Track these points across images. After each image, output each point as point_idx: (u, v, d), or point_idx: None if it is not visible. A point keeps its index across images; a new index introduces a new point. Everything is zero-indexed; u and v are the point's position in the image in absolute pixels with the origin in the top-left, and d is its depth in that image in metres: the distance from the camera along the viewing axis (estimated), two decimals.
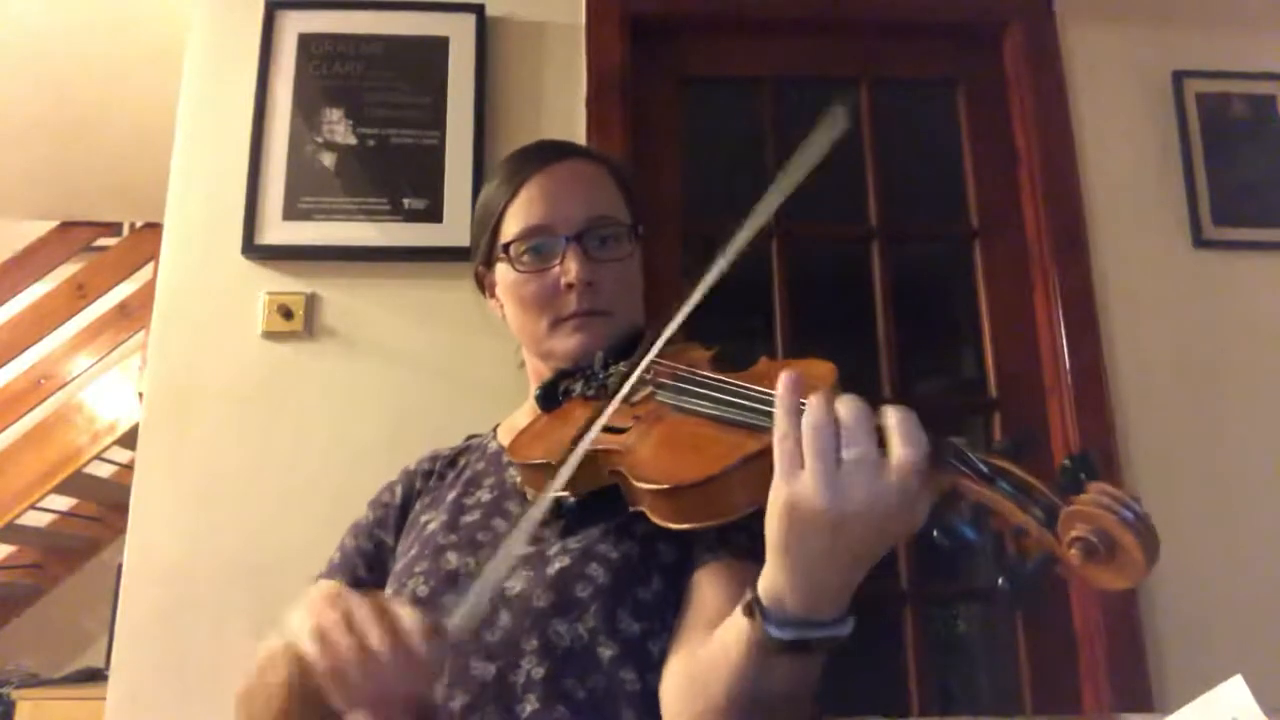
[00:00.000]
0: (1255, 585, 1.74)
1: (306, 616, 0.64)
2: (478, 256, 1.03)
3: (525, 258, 0.95)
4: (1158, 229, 1.92)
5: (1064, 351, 1.83)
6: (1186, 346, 1.86)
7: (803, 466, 0.59)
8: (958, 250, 2.03)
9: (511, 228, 0.96)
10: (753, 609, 0.63)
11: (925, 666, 1.76)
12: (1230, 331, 1.88)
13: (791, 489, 0.59)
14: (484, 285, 1.05)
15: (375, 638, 0.62)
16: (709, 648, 0.71)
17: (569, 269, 0.93)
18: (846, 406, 0.59)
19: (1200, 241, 1.91)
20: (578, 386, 0.92)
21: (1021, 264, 1.93)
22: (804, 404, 0.61)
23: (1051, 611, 1.77)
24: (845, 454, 0.57)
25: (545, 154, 1.01)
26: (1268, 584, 1.74)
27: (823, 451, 0.58)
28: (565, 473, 0.71)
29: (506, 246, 0.96)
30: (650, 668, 0.80)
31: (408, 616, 0.63)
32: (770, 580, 0.63)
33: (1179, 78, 1.99)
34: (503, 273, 0.98)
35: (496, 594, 0.82)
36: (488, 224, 1.00)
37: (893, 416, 0.58)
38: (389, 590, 0.92)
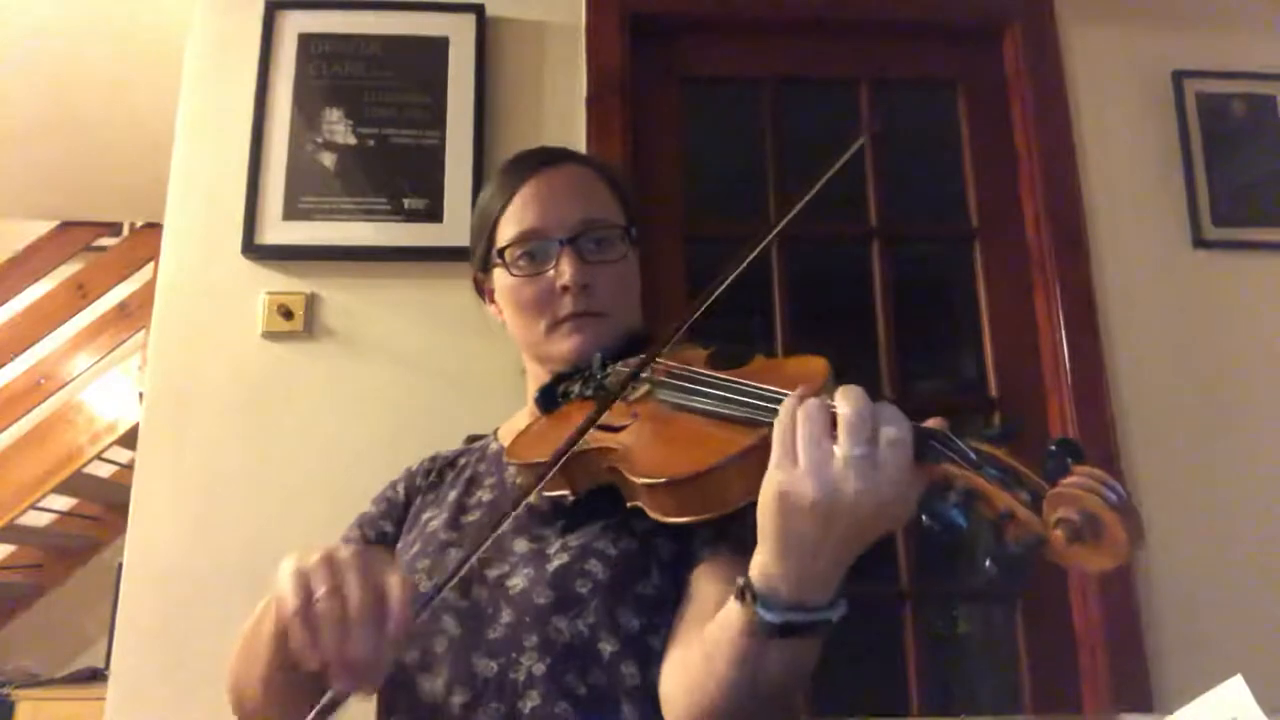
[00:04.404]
0: (1255, 585, 1.74)
1: (293, 561, 0.64)
2: (475, 263, 1.04)
3: (521, 262, 0.97)
4: (1158, 229, 1.92)
5: (1064, 351, 1.83)
6: (1186, 346, 1.86)
7: (796, 459, 0.60)
8: (958, 250, 2.03)
9: (506, 233, 0.98)
10: (744, 594, 0.64)
11: (925, 666, 1.76)
12: (1230, 331, 1.88)
13: (783, 479, 0.60)
14: (482, 291, 1.06)
15: (354, 591, 0.62)
16: (704, 639, 0.71)
17: (563, 271, 0.94)
18: (842, 403, 0.60)
19: (1200, 241, 1.91)
20: (576, 388, 0.93)
21: (1021, 264, 1.93)
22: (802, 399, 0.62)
23: (1051, 611, 1.77)
24: (838, 450, 0.58)
25: (538, 160, 1.03)
26: (1267, 584, 1.74)
27: (815, 446, 0.59)
28: (553, 466, 0.72)
29: (502, 251, 0.98)
30: (651, 663, 0.80)
31: (394, 582, 0.63)
32: (762, 566, 0.63)
33: (1179, 78, 1.99)
34: (499, 277, 1.00)
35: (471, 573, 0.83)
36: (484, 230, 1.01)
37: (882, 411, 0.59)
38: None
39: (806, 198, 0.76)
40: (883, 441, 0.58)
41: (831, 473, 0.58)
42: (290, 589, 0.62)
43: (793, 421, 0.61)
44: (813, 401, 0.61)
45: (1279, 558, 1.76)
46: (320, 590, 0.62)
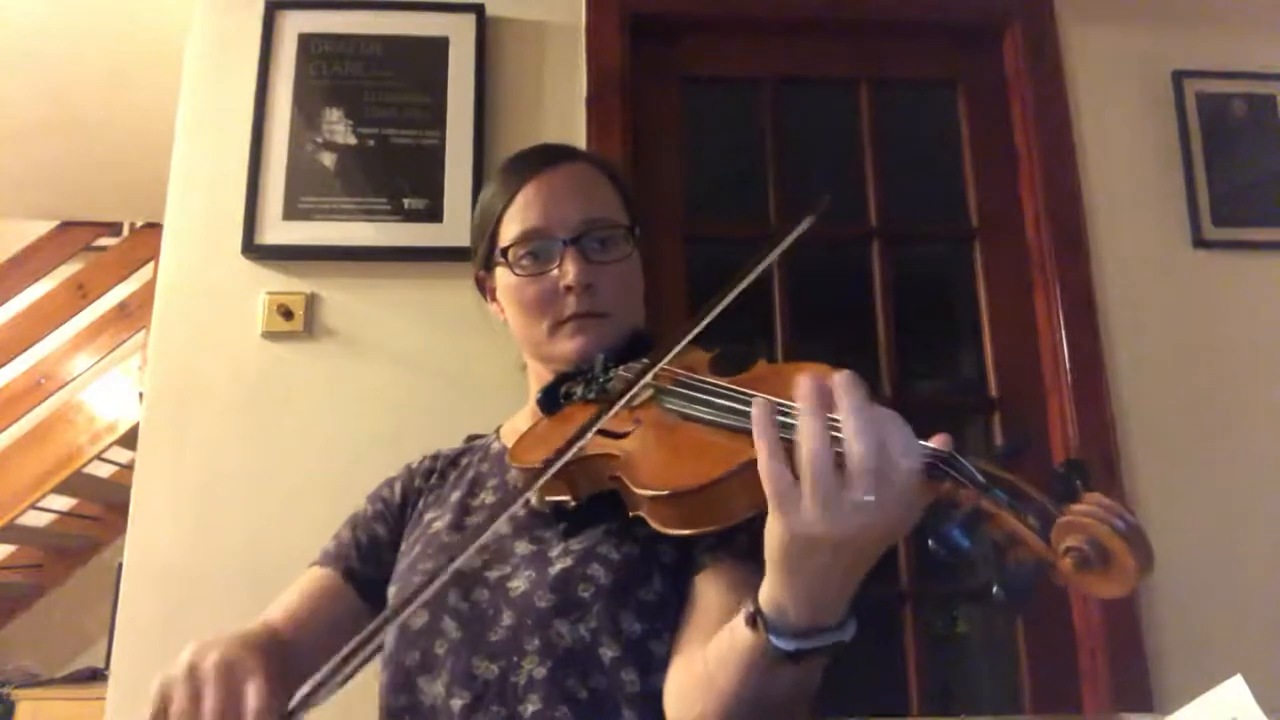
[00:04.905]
0: (1255, 586, 1.74)
1: (186, 654, 0.68)
2: (477, 261, 1.03)
3: (524, 261, 0.96)
4: (1158, 229, 1.92)
5: (1064, 351, 1.83)
6: (1186, 346, 1.86)
7: (801, 499, 0.58)
8: (958, 250, 2.03)
9: (509, 232, 0.97)
10: (755, 620, 0.63)
11: (925, 666, 1.76)
12: (1230, 332, 1.88)
13: (791, 520, 0.58)
14: (484, 289, 1.05)
15: (210, 704, 0.65)
16: (709, 654, 0.71)
17: (567, 271, 0.93)
18: (853, 442, 0.56)
19: (1200, 241, 1.91)
20: (579, 390, 0.92)
21: (1021, 264, 1.93)
22: (790, 438, 0.59)
23: (1051, 612, 1.77)
24: (849, 494, 0.56)
25: (541, 158, 1.01)
26: (1268, 584, 1.74)
27: (822, 483, 0.57)
28: (546, 477, 0.72)
29: (505, 251, 0.97)
30: (652, 669, 0.80)
31: (252, 693, 0.65)
32: (772, 594, 0.62)
33: (1179, 78, 1.99)
34: (502, 277, 0.99)
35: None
36: (486, 229, 1.00)
37: (890, 430, 0.57)
38: (392, 588, 0.92)
39: (761, 268, 0.76)
40: (895, 480, 0.56)
41: (843, 512, 0.56)
42: (153, 699, 0.67)
43: (788, 456, 0.58)
44: (810, 434, 0.57)
45: (1279, 558, 1.76)
46: (178, 703, 0.66)
